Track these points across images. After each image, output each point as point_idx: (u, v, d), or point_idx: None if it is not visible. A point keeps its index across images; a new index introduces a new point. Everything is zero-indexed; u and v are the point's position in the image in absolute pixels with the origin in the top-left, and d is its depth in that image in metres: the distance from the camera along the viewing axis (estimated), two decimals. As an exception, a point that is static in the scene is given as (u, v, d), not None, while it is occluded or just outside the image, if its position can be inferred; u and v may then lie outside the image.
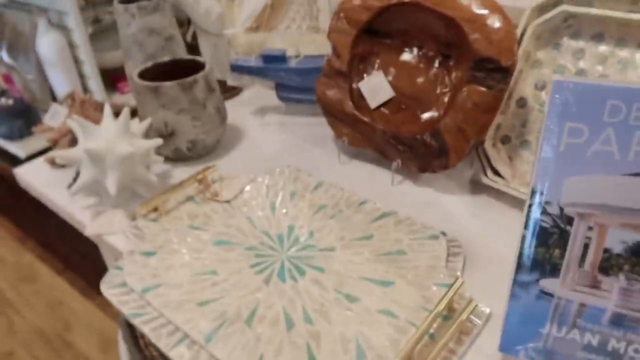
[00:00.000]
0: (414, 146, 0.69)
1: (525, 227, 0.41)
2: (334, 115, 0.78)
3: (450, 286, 0.50)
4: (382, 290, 0.53)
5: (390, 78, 0.75)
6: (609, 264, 0.39)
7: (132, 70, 0.79)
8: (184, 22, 0.95)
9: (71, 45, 1.79)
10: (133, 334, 0.76)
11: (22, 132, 1.70)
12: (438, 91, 0.71)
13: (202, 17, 0.89)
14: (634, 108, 0.35)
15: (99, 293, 1.41)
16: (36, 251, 1.57)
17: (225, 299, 0.53)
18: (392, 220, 0.63)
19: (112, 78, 2.01)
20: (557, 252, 0.41)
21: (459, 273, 0.55)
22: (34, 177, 0.81)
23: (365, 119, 0.74)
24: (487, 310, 0.51)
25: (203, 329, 0.50)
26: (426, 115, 0.71)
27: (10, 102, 1.76)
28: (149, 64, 0.79)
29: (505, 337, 0.45)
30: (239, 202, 0.68)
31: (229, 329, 0.50)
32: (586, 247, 0.40)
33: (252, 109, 0.96)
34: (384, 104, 0.75)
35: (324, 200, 0.67)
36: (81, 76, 1.87)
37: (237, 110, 0.95)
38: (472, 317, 0.50)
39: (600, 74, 0.63)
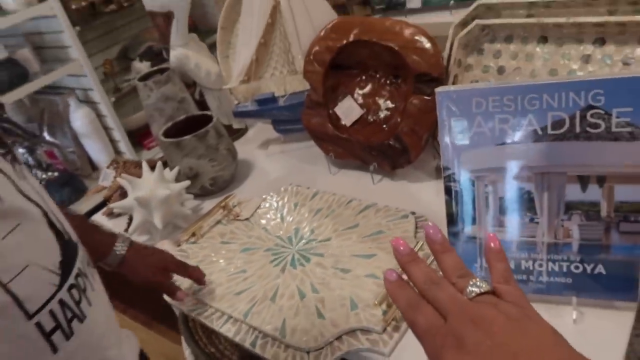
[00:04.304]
0: (383, 150, 0.87)
1: (446, 193, 0.59)
2: (319, 137, 0.96)
3: (413, 246, 0.67)
4: (367, 261, 0.71)
5: (357, 100, 0.94)
6: (505, 208, 0.57)
7: (157, 132, 1.00)
8: (191, 84, 1.16)
9: (99, 116, 2.05)
10: (194, 339, 0.95)
11: (72, 198, 1.95)
12: (393, 105, 0.89)
13: (204, 78, 1.10)
14: (490, 100, 0.53)
15: (159, 323, 1.61)
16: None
17: (254, 287, 0.72)
18: (373, 210, 0.81)
19: (137, 137, 2.26)
20: (469, 206, 0.58)
21: (419, 240, 0.72)
22: (96, 228, 1.02)
23: (344, 136, 0.92)
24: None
25: (241, 309, 0.69)
26: (388, 125, 0.89)
27: (56, 174, 2.01)
28: (169, 124, 1.00)
29: (454, 275, 0.62)
30: (256, 218, 0.88)
31: (259, 306, 0.68)
32: (487, 199, 0.57)
33: (257, 144, 1.16)
34: (356, 122, 0.94)
35: (320, 204, 0.86)
36: (111, 140, 2.12)
37: (245, 147, 1.15)
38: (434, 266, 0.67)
39: (514, 67, 0.81)
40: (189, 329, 0.97)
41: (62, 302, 0.31)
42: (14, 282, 0.28)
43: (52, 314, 0.30)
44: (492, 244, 0.36)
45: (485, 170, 0.56)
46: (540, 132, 0.52)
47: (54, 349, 0.30)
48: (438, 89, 0.55)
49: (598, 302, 0.57)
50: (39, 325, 0.29)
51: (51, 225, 0.32)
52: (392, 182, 0.90)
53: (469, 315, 0.30)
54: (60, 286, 0.31)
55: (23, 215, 0.29)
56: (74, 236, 0.34)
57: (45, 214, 0.32)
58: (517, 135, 0.53)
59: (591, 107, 0.49)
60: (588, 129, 0.50)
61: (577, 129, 0.50)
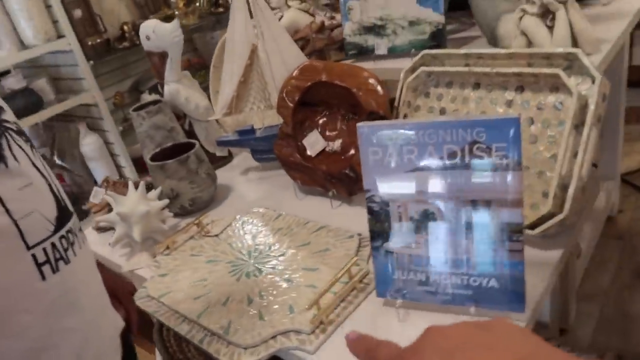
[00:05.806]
0: (341, 178, 0.97)
1: (368, 212, 0.69)
2: (288, 165, 1.07)
3: (348, 261, 0.77)
4: (311, 274, 0.80)
5: (321, 133, 1.05)
6: (415, 226, 0.66)
7: (146, 157, 1.12)
8: (182, 116, 1.29)
9: (107, 143, 2.19)
10: (165, 347, 1.04)
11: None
12: (350, 138, 1.00)
13: (192, 110, 1.23)
14: (399, 133, 0.63)
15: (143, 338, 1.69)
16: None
17: (211, 293, 0.82)
18: (325, 230, 0.90)
19: (142, 164, 2.39)
20: (386, 224, 0.68)
21: (356, 257, 0.81)
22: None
23: (309, 165, 1.03)
24: (380, 277, 0.77)
25: (195, 311, 0.78)
26: (345, 156, 1.00)
27: (64, 196, 2.14)
28: (157, 150, 1.12)
29: (377, 286, 0.71)
30: (224, 235, 0.98)
31: (212, 309, 0.78)
32: (400, 217, 0.67)
33: (240, 171, 1.28)
34: (320, 153, 1.05)
35: (281, 225, 0.96)
36: (117, 166, 2.26)
37: (229, 173, 1.26)
38: (366, 281, 0.76)
39: (453, 108, 0.91)
40: (162, 338, 1.06)
41: (53, 245, 0.42)
42: (22, 220, 0.40)
43: (44, 251, 0.41)
44: (352, 343, 0.36)
45: (396, 194, 0.66)
46: (439, 162, 0.62)
47: (43, 277, 0.41)
48: (359, 124, 0.66)
49: (495, 314, 0.65)
50: (34, 256, 0.41)
51: (52, 192, 0.44)
52: (349, 207, 1.00)
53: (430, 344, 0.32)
54: (53, 233, 0.42)
55: (33, 178, 0.42)
56: (70, 207, 0.46)
57: (49, 184, 0.44)
58: (421, 164, 0.63)
59: (476, 142, 0.59)
60: (475, 160, 0.60)
61: (467, 160, 0.60)
